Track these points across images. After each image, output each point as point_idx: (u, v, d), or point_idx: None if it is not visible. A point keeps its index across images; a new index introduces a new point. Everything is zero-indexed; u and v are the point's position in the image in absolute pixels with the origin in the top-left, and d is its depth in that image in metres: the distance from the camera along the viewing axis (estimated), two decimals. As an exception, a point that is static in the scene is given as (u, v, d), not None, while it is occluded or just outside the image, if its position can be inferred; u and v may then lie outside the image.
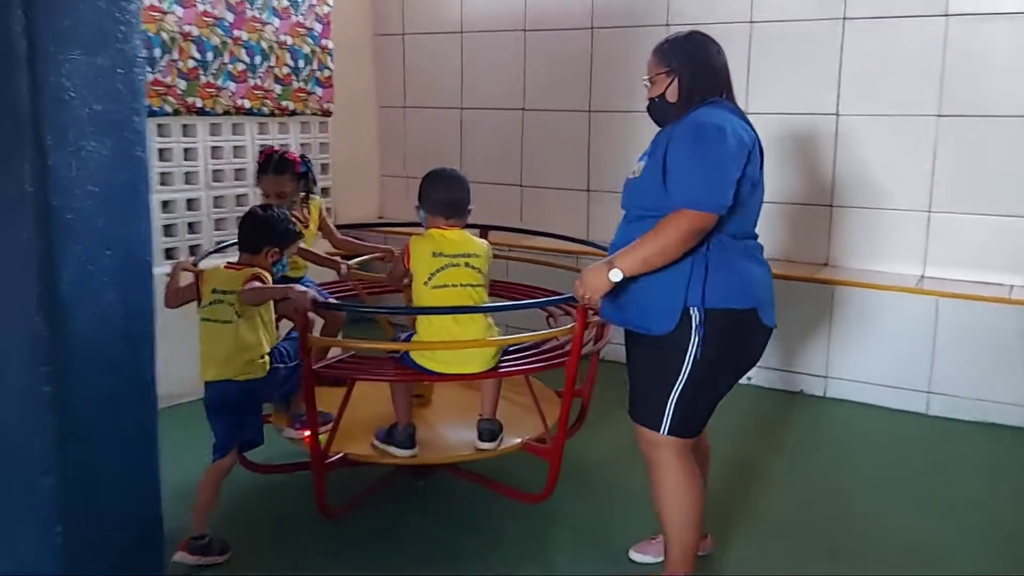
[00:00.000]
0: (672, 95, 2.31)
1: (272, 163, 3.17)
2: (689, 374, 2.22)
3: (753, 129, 2.28)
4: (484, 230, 3.84)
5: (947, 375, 3.95)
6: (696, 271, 2.19)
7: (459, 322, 2.61)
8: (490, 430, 2.75)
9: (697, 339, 2.19)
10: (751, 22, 4.33)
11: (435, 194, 2.72)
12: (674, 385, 2.25)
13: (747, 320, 2.24)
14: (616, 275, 2.19)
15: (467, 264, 2.66)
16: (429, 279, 2.64)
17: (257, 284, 2.59)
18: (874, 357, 4.12)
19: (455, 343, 2.60)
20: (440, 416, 3.12)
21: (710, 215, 2.12)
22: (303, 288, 2.63)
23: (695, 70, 2.29)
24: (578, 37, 4.82)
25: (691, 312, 2.19)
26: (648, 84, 2.37)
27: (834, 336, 4.24)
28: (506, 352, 2.75)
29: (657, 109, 2.36)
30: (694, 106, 2.25)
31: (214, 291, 2.63)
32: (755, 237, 2.35)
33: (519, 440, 2.84)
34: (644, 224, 2.20)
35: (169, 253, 4.00)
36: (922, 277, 4.14)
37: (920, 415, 4.00)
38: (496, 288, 3.74)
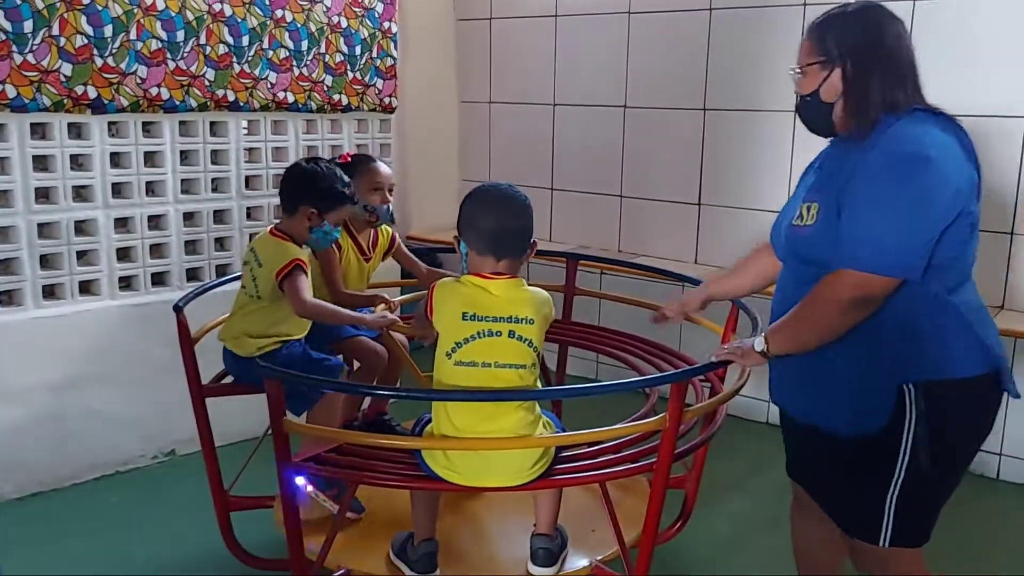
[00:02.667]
0: (829, 93, 1.73)
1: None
2: (909, 470, 1.72)
3: (973, 148, 1.70)
4: (571, 261, 3.15)
5: None
6: (905, 339, 1.68)
7: (489, 417, 1.85)
8: (546, 551, 2.01)
9: (917, 427, 1.69)
10: (914, -1, 3.43)
11: (481, 221, 1.92)
12: (890, 486, 1.75)
13: (982, 390, 1.74)
14: (759, 344, 1.76)
15: (512, 334, 1.88)
16: (454, 350, 1.88)
17: (302, 281, 2.35)
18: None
19: (471, 442, 1.85)
20: (493, 513, 2.40)
21: (886, 280, 1.61)
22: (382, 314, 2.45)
23: (865, 60, 1.69)
24: (693, 21, 4.01)
25: (905, 391, 1.69)
26: (798, 76, 1.79)
27: (1013, 403, 3.31)
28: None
29: (809, 110, 1.78)
30: (875, 115, 1.68)
31: (251, 250, 2.48)
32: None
33: (587, 562, 2.09)
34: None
35: (192, 274, 3.41)
36: None
37: None
38: (574, 334, 3.01)
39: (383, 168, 2.74)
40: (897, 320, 1.68)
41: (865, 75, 1.67)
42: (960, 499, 3.22)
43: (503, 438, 1.85)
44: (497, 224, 1.92)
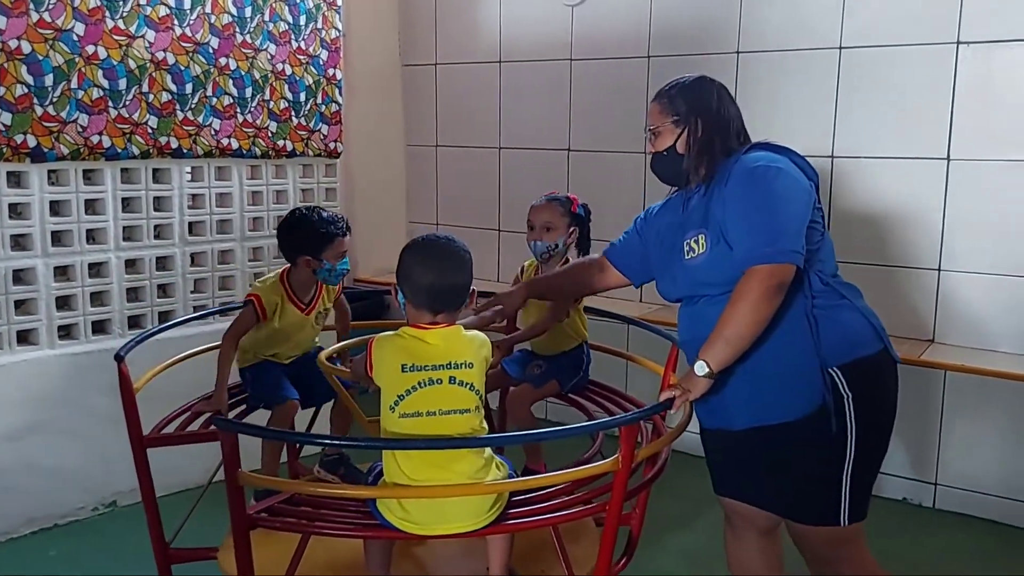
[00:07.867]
0: (682, 147, 2.08)
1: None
2: (856, 447, 1.99)
3: (805, 163, 2.06)
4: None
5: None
6: (815, 327, 1.97)
7: (441, 464, 1.86)
8: (500, 593, 2.02)
9: (855, 406, 1.97)
10: (840, 48, 3.57)
11: (419, 276, 1.93)
12: (844, 466, 2.00)
13: (883, 362, 2.05)
14: (701, 368, 1.92)
15: (453, 380, 1.89)
16: (397, 403, 1.88)
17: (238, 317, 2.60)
18: (997, 461, 3.35)
19: (427, 490, 1.86)
20: (445, 556, 2.40)
21: (786, 267, 1.88)
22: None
23: (708, 119, 2.06)
24: (632, 67, 4.12)
25: (834, 376, 1.97)
26: (652, 136, 2.12)
27: (947, 434, 3.45)
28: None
29: (665, 164, 2.11)
30: (719, 159, 2.04)
31: None
32: None
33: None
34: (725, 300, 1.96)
35: (134, 321, 3.38)
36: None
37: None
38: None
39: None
40: (803, 308, 1.96)
41: (708, 129, 2.04)
42: (899, 529, 3.31)
43: (461, 484, 1.86)
44: (434, 281, 1.92)
